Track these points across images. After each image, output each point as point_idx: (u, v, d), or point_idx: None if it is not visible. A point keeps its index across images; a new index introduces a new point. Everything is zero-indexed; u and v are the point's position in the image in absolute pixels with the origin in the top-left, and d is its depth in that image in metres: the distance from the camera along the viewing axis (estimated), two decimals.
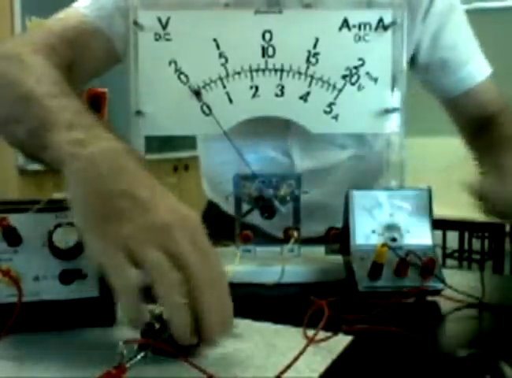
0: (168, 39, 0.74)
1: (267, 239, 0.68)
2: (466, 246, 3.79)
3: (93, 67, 0.86)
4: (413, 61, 0.86)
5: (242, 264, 0.70)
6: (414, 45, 0.84)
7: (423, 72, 0.87)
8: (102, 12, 0.83)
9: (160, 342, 0.49)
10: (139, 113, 0.74)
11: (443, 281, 0.66)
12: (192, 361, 0.48)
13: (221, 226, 0.75)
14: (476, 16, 1.10)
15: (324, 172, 0.81)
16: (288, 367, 0.47)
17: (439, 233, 3.43)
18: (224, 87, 0.74)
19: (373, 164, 0.88)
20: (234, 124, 0.74)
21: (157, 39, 0.74)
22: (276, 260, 0.73)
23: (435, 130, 2.21)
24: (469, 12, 0.90)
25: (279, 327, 0.56)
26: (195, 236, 0.45)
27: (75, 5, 0.86)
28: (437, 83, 0.88)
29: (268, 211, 0.74)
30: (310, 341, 0.52)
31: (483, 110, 0.87)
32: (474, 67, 0.86)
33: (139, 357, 0.48)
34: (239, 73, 0.74)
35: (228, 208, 0.83)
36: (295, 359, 0.48)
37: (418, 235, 0.69)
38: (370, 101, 0.75)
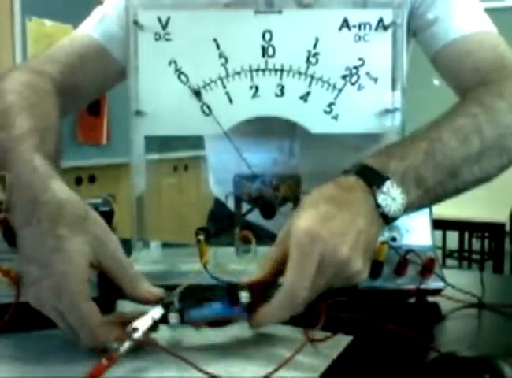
0: (168, 39, 0.74)
1: (268, 237, 0.68)
2: (466, 246, 3.80)
3: (100, 86, 0.89)
4: (414, 33, 0.85)
5: (242, 265, 0.70)
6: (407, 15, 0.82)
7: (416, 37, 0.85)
8: (107, 32, 0.84)
9: (145, 333, 0.50)
10: (139, 113, 0.74)
11: (443, 279, 0.66)
12: (191, 360, 0.48)
13: (229, 224, 0.75)
14: None
15: (328, 172, 0.80)
16: (281, 366, 0.47)
17: (439, 233, 3.43)
18: (224, 87, 0.74)
19: None
20: (234, 124, 0.74)
21: (157, 39, 0.74)
22: None
23: None
24: None
25: (279, 327, 0.56)
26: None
27: (80, 27, 0.87)
28: (420, 42, 0.85)
29: (268, 211, 0.74)
30: (308, 340, 0.53)
31: (460, 69, 0.80)
32: (451, 22, 0.80)
33: (126, 346, 0.48)
34: (239, 73, 0.74)
35: (232, 206, 0.83)
36: (289, 359, 0.48)
37: (418, 235, 0.69)
38: (370, 101, 0.75)
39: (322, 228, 0.53)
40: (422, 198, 0.61)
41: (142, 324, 0.50)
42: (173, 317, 0.52)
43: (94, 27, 0.86)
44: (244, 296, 0.53)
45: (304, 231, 0.53)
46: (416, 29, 0.84)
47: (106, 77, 0.87)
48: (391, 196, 0.58)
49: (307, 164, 0.86)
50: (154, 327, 0.51)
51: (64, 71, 0.81)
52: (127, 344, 0.48)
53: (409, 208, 0.60)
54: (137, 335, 0.49)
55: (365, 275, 0.55)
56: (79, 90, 0.84)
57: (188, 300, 0.53)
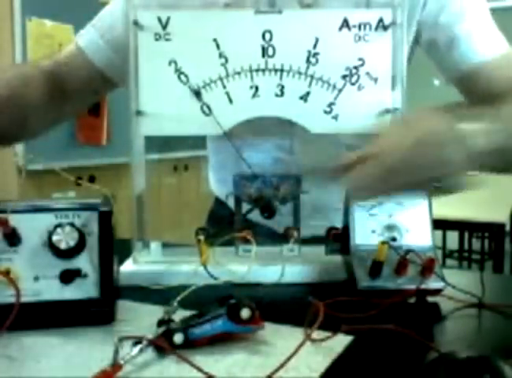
0: (168, 39, 0.74)
1: (269, 235, 0.68)
2: (466, 246, 3.80)
3: (87, 96, 0.95)
4: (417, 40, 0.85)
5: (242, 264, 0.70)
6: (416, 26, 0.83)
7: (428, 48, 0.86)
8: (93, 44, 0.89)
9: (156, 338, 0.50)
10: (139, 112, 0.74)
11: (443, 279, 0.66)
12: (192, 360, 0.48)
13: (229, 224, 0.75)
14: None
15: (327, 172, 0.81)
16: (282, 366, 0.47)
17: (439, 233, 3.43)
18: (224, 87, 0.74)
19: None
20: (234, 124, 0.74)
21: (157, 39, 0.74)
22: (276, 260, 0.73)
23: None
24: None
25: (279, 327, 0.56)
26: None
27: (77, 35, 0.92)
28: (444, 60, 0.85)
29: (268, 211, 0.74)
30: (308, 338, 0.53)
31: (490, 89, 0.82)
32: (480, 43, 0.82)
33: (133, 353, 0.48)
34: (239, 73, 0.74)
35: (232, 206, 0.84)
36: (290, 357, 0.48)
37: (418, 235, 0.69)
38: (370, 101, 0.75)
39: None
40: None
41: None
42: (178, 337, 0.51)
43: (83, 35, 0.91)
44: (245, 313, 0.53)
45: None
46: (437, 42, 0.84)
47: (91, 85, 0.91)
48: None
49: (307, 164, 0.86)
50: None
51: (53, 66, 0.88)
52: (132, 353, 0.48)
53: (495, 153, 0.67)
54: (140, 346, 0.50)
55: (459, 167, 0.65)
56: (67, 92, 0.89)
57: (190, 320, 0.53)
